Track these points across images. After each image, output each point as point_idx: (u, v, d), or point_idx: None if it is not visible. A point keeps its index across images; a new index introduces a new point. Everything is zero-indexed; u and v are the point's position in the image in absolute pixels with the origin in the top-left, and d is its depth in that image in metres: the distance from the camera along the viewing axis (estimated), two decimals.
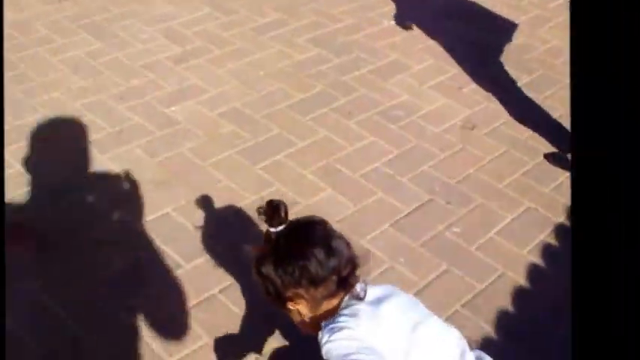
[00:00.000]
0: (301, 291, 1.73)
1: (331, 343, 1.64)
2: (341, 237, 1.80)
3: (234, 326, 2.39)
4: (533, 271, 2.76)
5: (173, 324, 2.40)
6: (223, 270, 2.61)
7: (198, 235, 2.76)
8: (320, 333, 1.68)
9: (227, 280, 2.56)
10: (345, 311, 1.71)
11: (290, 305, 1.77)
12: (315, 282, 1.71)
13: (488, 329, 2.48)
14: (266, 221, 1.79)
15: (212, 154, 3.22)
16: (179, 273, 2.59)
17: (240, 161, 3.19)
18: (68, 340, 2.33)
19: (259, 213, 1.81)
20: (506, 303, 2.60)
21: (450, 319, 2.48)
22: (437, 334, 1.77)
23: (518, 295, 2.65)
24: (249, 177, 3.11)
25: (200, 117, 3.50)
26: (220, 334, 2.36)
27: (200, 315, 2.43)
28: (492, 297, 2.62)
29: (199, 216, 2.86)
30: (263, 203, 1.81)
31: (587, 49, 1.33)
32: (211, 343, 2.34)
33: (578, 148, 1.44)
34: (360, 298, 1.73)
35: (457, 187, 3.16)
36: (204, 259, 2.66)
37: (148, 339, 2.34)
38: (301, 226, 1.80)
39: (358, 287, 1.75)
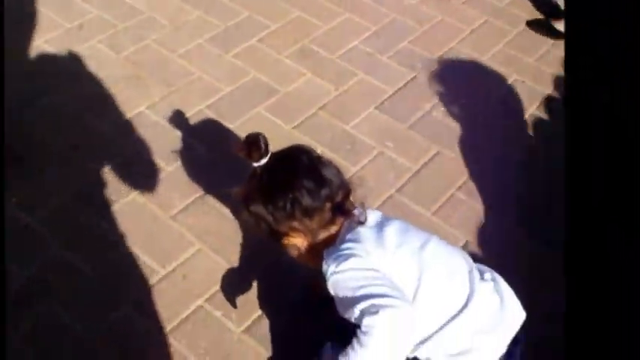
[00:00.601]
0: (295, 224, 1.54)
1: (339, 274, 1.45)
2: (329, 163, 1.60)
3: (226, 230, 2.17)
4: (528, 146, 2.57)
5: (160, 232, 2.15)
6: (206, 171, 2.35)
7: (177, 135, 2.46)
8: (324, 263, 1.49)
9: (212, 182, 2.30)
10: (348, 236, 1.52)
11: (286, 240, 1.58)
12: (308, 213, 1.53)
13: (480, 209, 2.29)
14: (246, 157, 1.60)
15: (180, 44, 2.86)
16: (161, 177, 2.32)
17: (211, 50, 2.85)
18: (56, 262, 2.08)
19: (238, 150, 1.62)
20: (502, 179, 2.43)
21: (447, 204, 2.32)
22: (445, 253, 1.59)
23: (515, 171, 2.45)
24: (222, 66, 2.78)
25: (163, 4, 3.09)
26: (214, 240, 2.16)
27: (189, 220, 2.19)
28: (488, 177, 2.44)
29: (176, 114, 2.54)
30: (241, 140, 1.64)
31: None
32: (205, 248, 2.13)
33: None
34: (361, 223, 1.54)
35: (439, 62, 2.90)
36: (185, 161, 2.38)
37: (137, 251, 2.09)
38: (285, 157, 1.60)
39: (357, 212, 1.57)
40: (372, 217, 1.58)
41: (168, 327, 1.91)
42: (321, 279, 1.94)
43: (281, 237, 1.59)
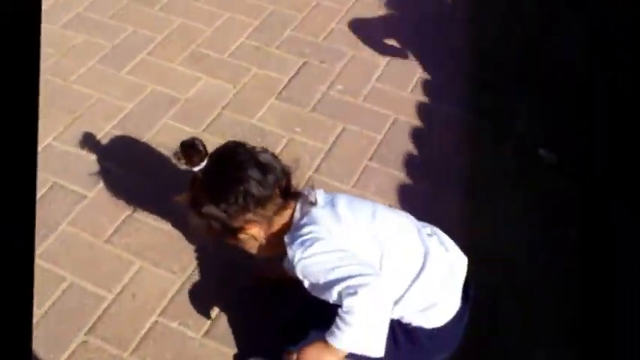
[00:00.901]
0: (250, 215, 1.54)
1: (307, 259, 1.47)
2: (265, 150, 1.61)
3: (162, 242, 2.13)
4: (421, 109, 2.67)
5: (99, 258, 2.08)
6: (128, 190, 2.29)
7: (91, 160, 2.39)
8: (289, 249, 1.50)
9: (137, 199, 2.25)
10: (305, 220, 1.53)
11: (242, 235, 1.57)
12: (261, 202, 1.53)
13: (399, 175, 2.40)
14: (187, 164, 1.56)
15: (72, 70, 2.75)
16: (86, 204, 2.25)
17: (105, 70, 2.76)
18: None
19: (177, 158, 1.58)
20: (407, 145, 2.52)
21: (363, 175, 2.39)
22: (393, 217, 1.64)
23: (415, 134, 2.56)
24: (119, 85, 2.70)
25: (44, 33, 2.99)
26: (153, 254, 2.13)
27: (124, 240, 2.14)
28: (394, 143, 2.52)
29: (85, 139, 2.46)
30: (177, 149, 1.60)
31: None
32: (146, 264, 2.09)
33: None
34: (313, 203, 1.56)
35: (325, 45, 2.95)
36: (105, 183, 2.31)
37: (80, 282, 2.02)
38: (223, 154, 1.59)
39: (306, 192, 1.59)
40: (320, 196, 1.60)
41: (130, 348, 1.88)
42: (270, 266, 1.99)
43: (237, 233, 1.58)
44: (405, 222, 1.64)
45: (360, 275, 1.42)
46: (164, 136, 2.46)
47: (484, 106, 2.67)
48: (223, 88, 2.71)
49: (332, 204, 1.58)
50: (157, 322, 1.94)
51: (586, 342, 1.93)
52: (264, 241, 1.61)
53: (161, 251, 2.12)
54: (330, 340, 1.45)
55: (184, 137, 2.44)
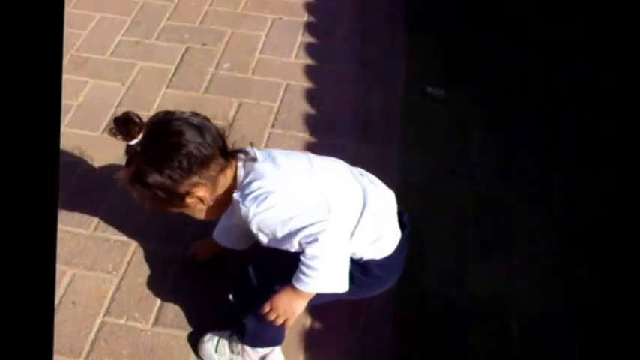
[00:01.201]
0: (195, 178, 1.52)
1: (262, 213, 1.48)
2: (196, 114, 1.58)
3: (87, 246, 2.05)
4: (307, 71, 2.71)
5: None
6: None
7: None
8: (242, 207, 1.50)
9: None
10: (251, 176, 1.53)
11: (189, 199, 1.55)
12: (204, 162, 1.51)
13: (304, 135, 2.43)
14: (124, 138, 1.51)
15: None
16: None
17: None
18: None
19: (113, 134, 1.51)
20: (304, 107, 2.56)
21: (270, 143, 2.40)
22: (328, 163, 1.67)
23: (309, 94, 2.60)
24: None
25: None
26: (84, 259, 2.06)
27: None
28: (291, 108, 2.54)
29: None
30: (112, 124, 1.52)
31: None
32: (78, 270, 2.01)
33: None
34: (255, 159, 1.56)
35: (204, 28, 2.92)
36: None
37: None
38: (158, 123, 1.55)
39: (248, 149, 1.59)
40: (258, 153, 1.60)
41: (83, 353, 1.82)
42: (203, 245, 1.99)
43: (184, 198, 1.55)
44: (338, 166, 1.68)
45: (316, 222, 1.44)
46: (65, 144, 2.37)
47: (366, 59, 2.76)
48: (113, 88, 2.63)
49: (271, 158, 1.59)
50: (103, 322, 1.89)
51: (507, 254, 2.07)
52: (211, 203, 1.58)
53: (90, 255, 2.05)
54: (299, 285, 1.48)
55: (84, 143, 2.41)
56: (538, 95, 2.61)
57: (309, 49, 2.78)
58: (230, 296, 1.82)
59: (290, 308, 1.53)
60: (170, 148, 1.50)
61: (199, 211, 1.62)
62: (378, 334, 1.88)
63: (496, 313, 1.93)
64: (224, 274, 1.96)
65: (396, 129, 2.45)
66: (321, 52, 2.78)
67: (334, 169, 1.66)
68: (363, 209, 1.58)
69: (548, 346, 1.86)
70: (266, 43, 2.83)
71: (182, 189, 1.53)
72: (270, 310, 1.55)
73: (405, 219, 1.70)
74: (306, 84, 2.64)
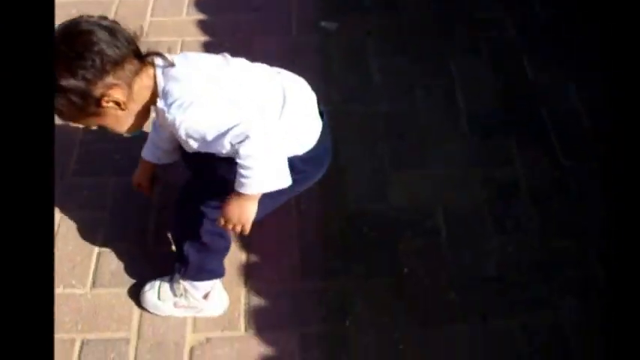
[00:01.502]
0: (110, 78, 1.44)
1: (188, 120, 1.44)
2: (106, 17, 1.50)
3: None
4: (201, 26, 2.65)
5: None
6: None
7: None
8: (167, 115, 1.45)
9: None
10: (172, 82, 1.47)
11: (105, 103, 1.46)
12: (118, 61, 1.44)
13: None
14: None
15: None
16: None
17: None
18: None
19: None
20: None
21: None
22: (241, 60, 1.63)
23: (207, 48, 2.55)
24: None
25: None
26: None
27: None
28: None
29: None
30: None
31: None
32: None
33: None
34: (173, 64, 1.49)
35: (88, 0, 2.83)
36: None
37: None
38: (68, 27, 1.45)
39: (163, 54, 1.52)
40: (174, 58, 1.53)
41: None
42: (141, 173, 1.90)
43: (100, 102, 1.46)
44: (255, 65, 1.65)
45: (245, 121, 1.42)
46: None
47: (257, 5, 2.74)
48: None
49: (188, 60, 1.54)
50: None
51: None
52: (129, 111, 1.51)
53: None
54: (242, 190, 1.46)
55: None
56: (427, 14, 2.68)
57: (199, 5, 2.74)
58: (169, 234, 1.80)
59: (243, 214, 1.52)
60: (82, 47, 1.42)
61: (118, 121, 1.53)
62: (315, 255, 1.92)
63: (422, 220, 2.01)
64: (154, 225, 1.96)
65: (296, 67, 2.46)
66: (211, 5, 2.74)
67: (252, 66, 1.64)
68: (284, 104, 1.57)
69: (475, 242, 1.95)
70: (155, 5, 2.75)
71: (97, 91, 1.44)
72: (226, 222, 1.54)
73: (322, 109, 1.70)
74: (203, 38, 2.59)
